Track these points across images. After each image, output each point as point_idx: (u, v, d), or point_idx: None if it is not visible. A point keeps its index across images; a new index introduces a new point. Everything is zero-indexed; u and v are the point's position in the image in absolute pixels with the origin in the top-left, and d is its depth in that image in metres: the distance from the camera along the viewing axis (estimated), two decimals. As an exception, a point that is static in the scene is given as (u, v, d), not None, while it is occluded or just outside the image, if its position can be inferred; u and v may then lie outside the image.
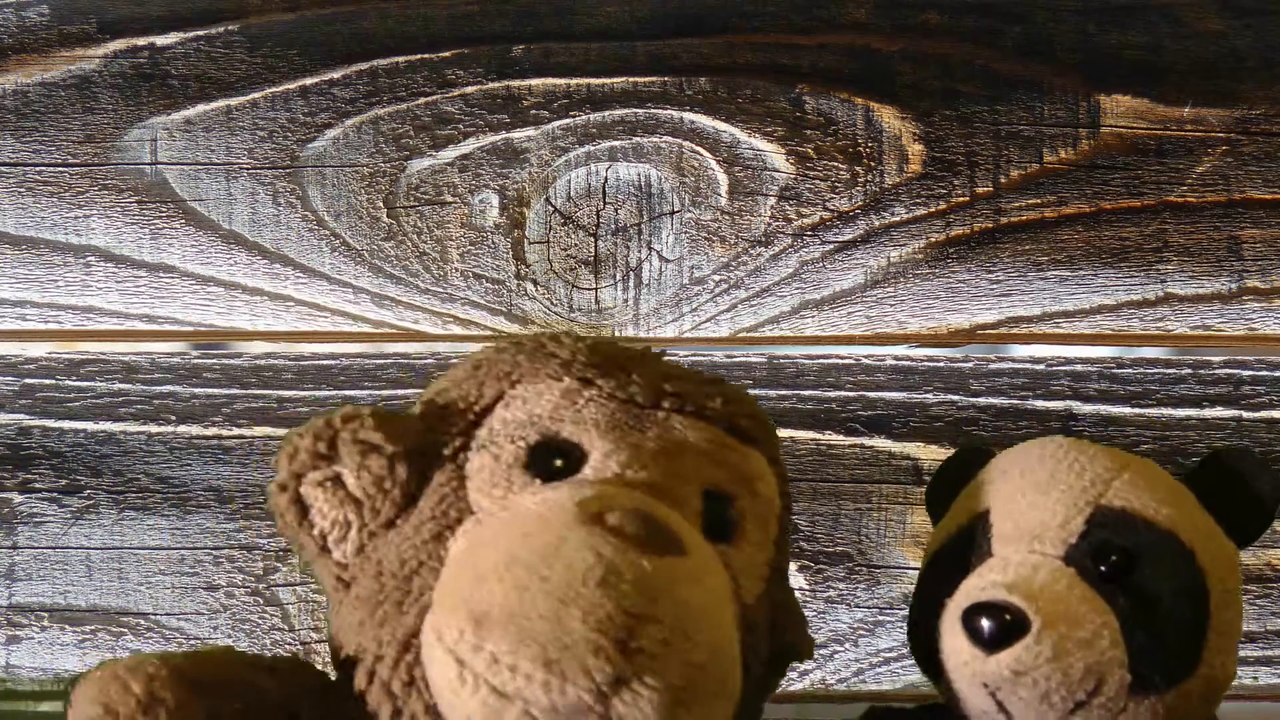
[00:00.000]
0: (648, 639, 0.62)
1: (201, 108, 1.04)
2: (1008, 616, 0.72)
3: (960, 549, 0.78)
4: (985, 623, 0.72)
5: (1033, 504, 0.76)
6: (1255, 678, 1.03)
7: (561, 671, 0.61)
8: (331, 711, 0.68)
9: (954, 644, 0.74)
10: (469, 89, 1.04)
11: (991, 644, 0.72)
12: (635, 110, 1.04)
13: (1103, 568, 0.74)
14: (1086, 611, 0.73)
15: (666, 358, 0.76)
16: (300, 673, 0.71)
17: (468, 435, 0.71)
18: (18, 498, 1.04)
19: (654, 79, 1.04)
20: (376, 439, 0.69)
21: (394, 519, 0.69)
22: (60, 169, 1.04)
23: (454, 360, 1.04)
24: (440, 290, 1.04)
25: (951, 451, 0.88)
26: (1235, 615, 0.78)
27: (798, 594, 1.04)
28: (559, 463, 0.69)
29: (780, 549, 0.74)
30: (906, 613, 0.82)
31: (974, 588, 0.74)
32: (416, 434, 0.70)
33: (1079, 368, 1.04)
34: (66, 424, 1.04)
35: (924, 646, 0.78)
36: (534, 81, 1.04)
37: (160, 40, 1.04)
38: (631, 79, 1.04)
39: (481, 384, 0.72)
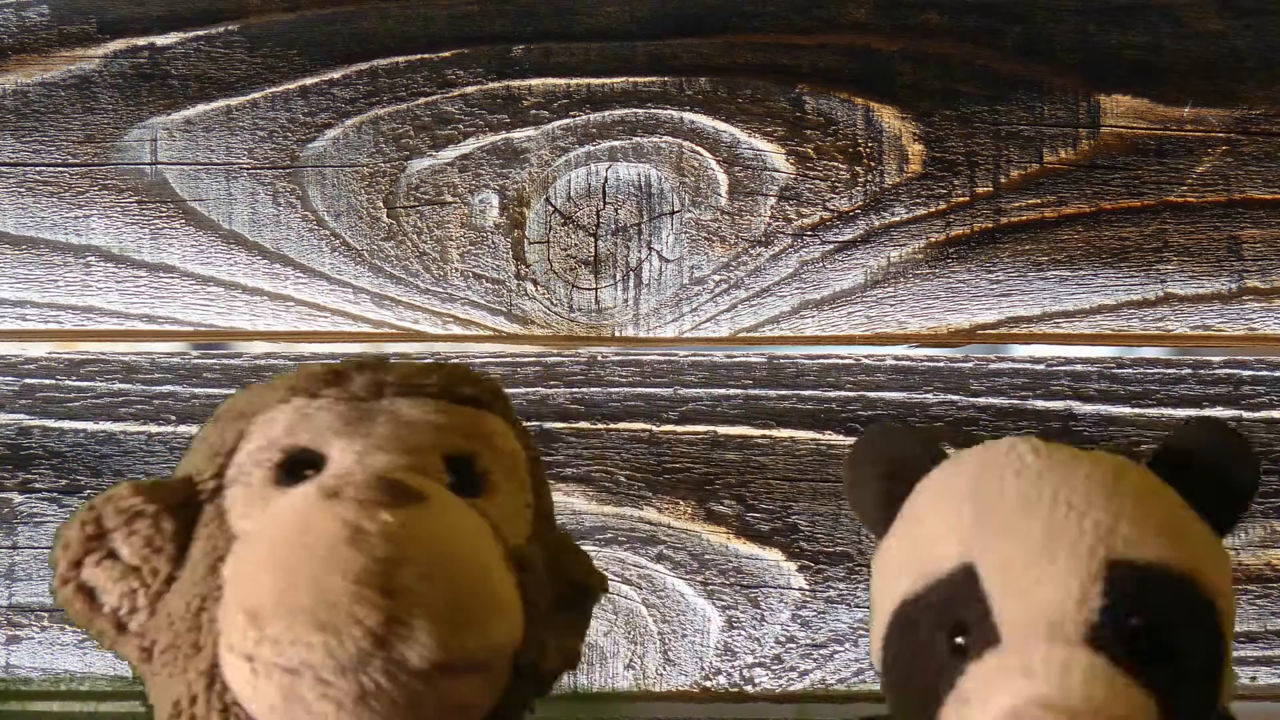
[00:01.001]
0: (405, 577, 0.66)
1: (201, 108, 1.04)
2: None
3: (944, 608, 0.70)
4: None
5: (1036, 573, 0.68)
6: (1254, 678, 1.03)
7: (335, 628, 0.65)
8: None
9: None
10: (469, 89, 1.04)
11: None
12: (635, 110, 1.04)
13: (1132, 647, 0.67)
14: (1128, 711, 0.66)
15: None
16: None
17: (220, 477, 0.74)
18: (18, 498, 1.04)
19: (654, 79, 1.04)
20: (136, 503, 0.72)
21: (172, 575, 0.72)
22: (60, 169, 1.04)
23: (454, 360, 1.04)
24: (440, 290, 1.04)
25: (950, 452, 0.87)
26: (1233, 623, 0.72)
27: (797, 594, 1.05)
28: (306, 472, 0.72)
29: (538, 494, 0.77)
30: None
31: (999, 705, 0.66)
32: (176, 492, 0.73)
33: (1079, 368, 1.04)
34: (66, 424, 1.04)
35: (910, 697, 0.71)
36: (534, 81, 1.04)
37: (160, 40, 1.04)
38: (631, 79, 1.04)
39: (223, 431, 0.75)
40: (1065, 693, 0.65)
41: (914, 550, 0.72)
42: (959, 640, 0.69)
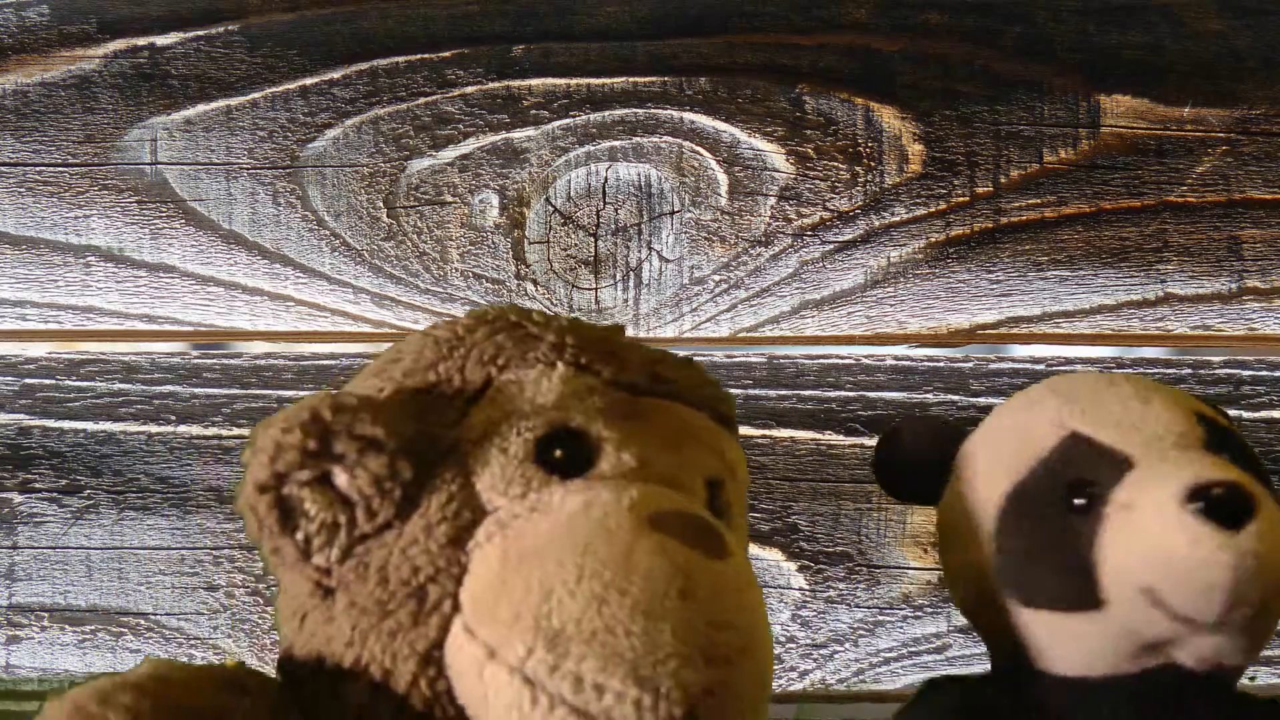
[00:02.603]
0: (727, 647, 0.60)
1: (201, 108, 1.04)
2: (1243, 494, 0.68)
3: (1061, 472, 0.73)
4: (1222, 499, 0.68)
5: (1139, 415, 0.73)
6: (1254, 678, 1.03)
7: (655, 688, 0.59)
8: None
9: (1178, 539, 0.68)
10: (469, 89, 1.04)
11: (1236, 522, 0.68)
12: (635, 110, 1.04)
13: (1241, 459, 0.72)
14: (1266, 495, 0.70)
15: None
16: (272, 691, 0.65)
17: (460, 426, 0.66)
18: (18, 498, 1.04)
19: (654, 79, 1.04)
20: (377, 434, 0.63)
21: (390, 521, 0.64)
22: (60, 169, 1.04)
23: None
24: (440, 290, 1.04)
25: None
26: None
27: (797, 594, 1.05)
28: (571, 455, 0.65)
29: (745, 516, 0.72)
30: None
31: (1175, 481, 0.70)
32: (413, 428, 0.65)
33: (1079, 368, 1.04)
34: (66, 424, 1.04)
35: (1070, 588, 0.72)
36: (534, 81, 1.04)
37: (160, 40, 1.04)
38: (631, 79, 1.04)
39: (463, 368, 0.67)
40: (1223, 469, 0.70)
41: (1003, 455, 0.76)
42: (1078, 500, 0.72)
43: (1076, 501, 0.72)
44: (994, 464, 0.76)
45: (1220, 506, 0.68)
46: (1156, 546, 0.69)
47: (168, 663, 0.62)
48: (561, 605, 0.60)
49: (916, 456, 0.79)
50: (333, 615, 0.64)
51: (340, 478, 0.63)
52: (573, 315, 0.75)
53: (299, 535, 0.63)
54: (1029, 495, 0.74)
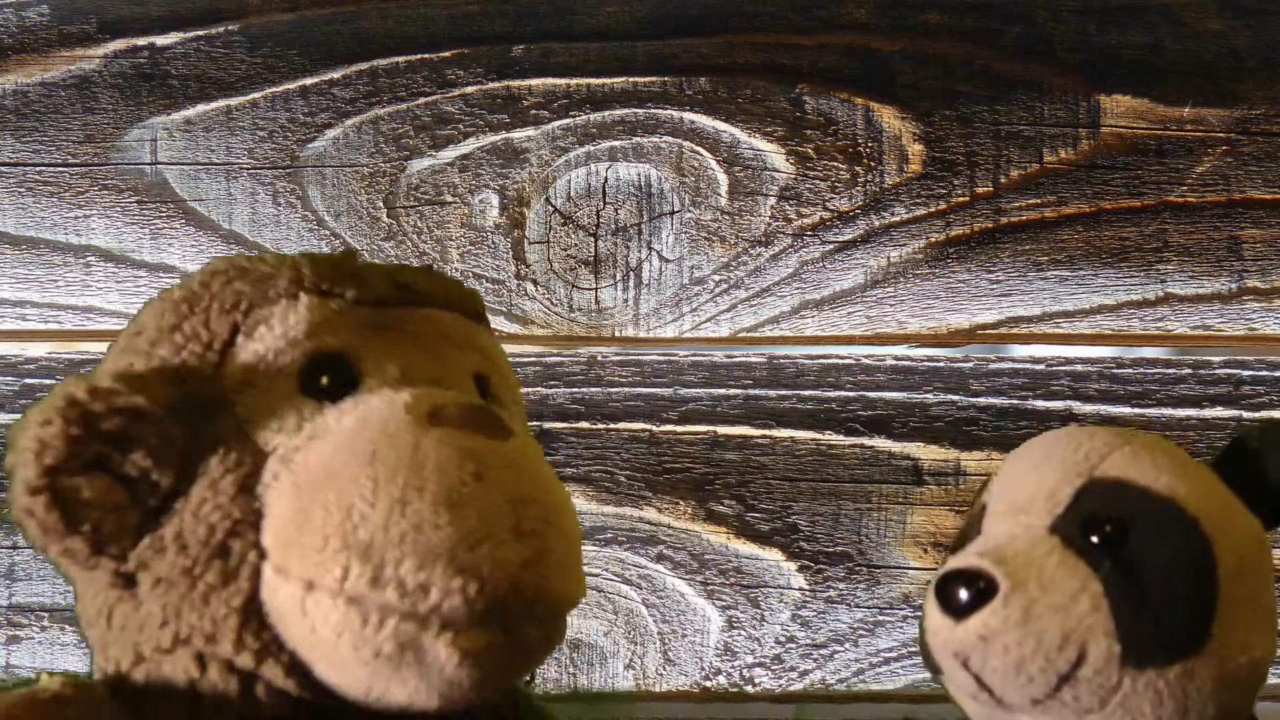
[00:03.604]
0: (533, 520, 0.60)
1: (201, 108, 1.04)
2: (979, 583, 0.70)
3: (959, 541, 0.77)
4: (952, 588, 0.70)
5: (1025, 480, 0.74)
6: (1255, 678, 1.03)
7: (479, 573, 0.59)
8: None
9: (930, 620, 0.72)
10: (469, 89, 1.04)
11: (959, 611, 0.70)
12: (635, 110, 1.04)
13: (1093, 537, 0.71)
14: (1064, 576, 0.70)
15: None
16: (97, 695, 0.63)
17: (219, 378, 0.63)
18: (18, 498, 1.04)
19: (654, 79, 1.04)
20: (140, 403, 0.60)
21: (174, 490, 0.61)
22: (60, 169, 1.04)
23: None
24: (440, 290, 1.04)
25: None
26: (1258, 590, 0.73)
27: (797, 594, 1.05)
28: (335, 378, 0.64)
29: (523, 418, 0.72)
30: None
31: (950, 562, 0.73)
32: (170, 387, 0.62)
33: (1079, 368, 1.04)
34: (66, 424, 1.04)
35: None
36: (534, 81, 1.04)
37: (160, 40, 1.04)
38: (631, 79, 1.04)
39: (207, 322, 0.64)
40: (1000, 550, 0.71)
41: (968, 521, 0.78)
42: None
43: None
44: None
45: (949, 596, 0.70)
46: (928, 629, 0.73)
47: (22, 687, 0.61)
48: (365, 518, 0.59)
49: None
50: (140, 601, 0.62)
51: (114, 458, 0.60)
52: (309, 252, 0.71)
53: (86, 528, 0.60)
54: (954, 550, 0.77)
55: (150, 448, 0.60)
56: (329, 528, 0.59)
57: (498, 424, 0.62)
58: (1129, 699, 0.70)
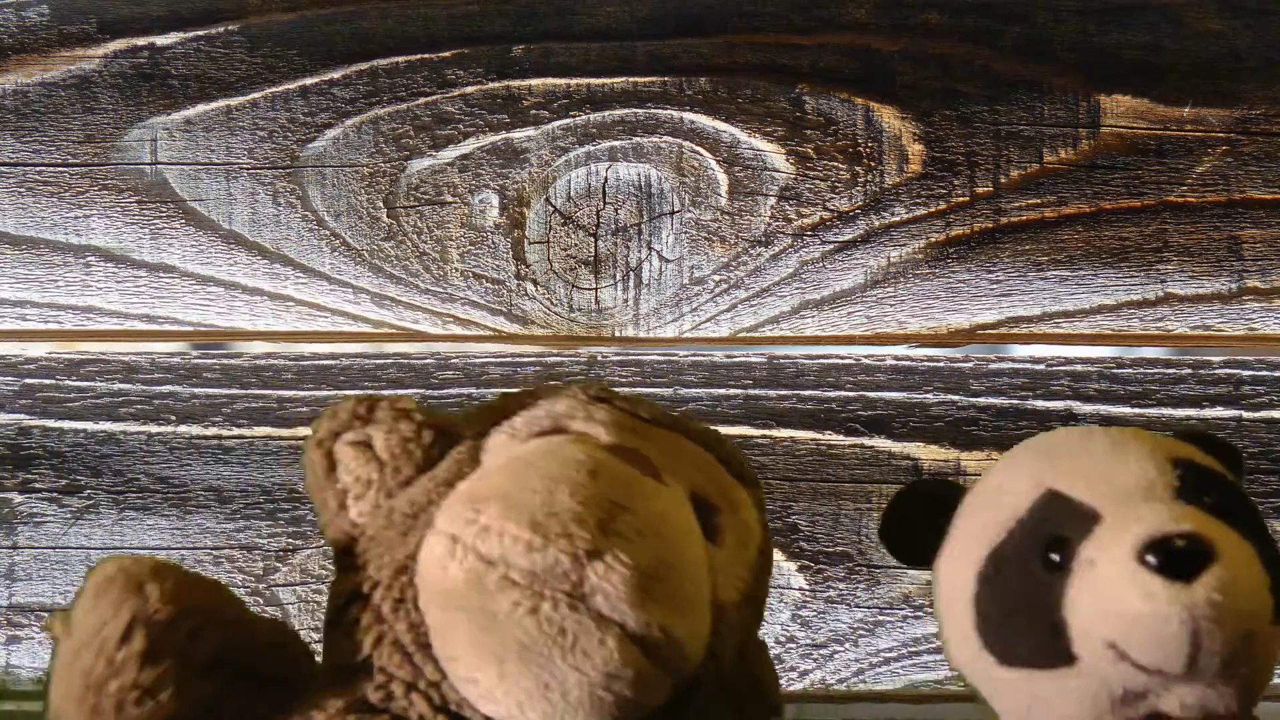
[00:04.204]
0: (625, 525, 0.67)
1: (201, 108, 1.04)
2: (1200, 543, 0.70)
3: (1036, 531, 0.74)
4: (1173, 550, 0.69)
5: (1114, 468, 0.74)
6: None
7: (545, 532, 0.66)
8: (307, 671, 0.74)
9: (1131, 593, 0.70)
10: (469, 89, 1.04)
11: (1190, 573, 0.69)
12: (635, 110, 1.04)
13: (1211, 506, 0.73)
14: (1237, 540, 0.71)
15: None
16: (291, 640, 0.76)
17: (489, 427, 0.75)
18: (18, 498, 1.04)
19: (654, 79, 1.04)
20: (410, 406, 0.74)
21: (410, 479, 0.73)
22: (60, 169, 1.04)
23: (454, 359, 1.04)
24: (440, 290, 1.04)
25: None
26: None
27: (797, 594, 1.05)
28: None
29: (758, 581, 0.76)
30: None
31: (1133, 534, 0.71)
32: (446, 419, 0.75)
33: (1079, 368, 1.04)
34: (66, 424, 1.04)
35: (1041, 647, 0.73)
36: (534, 81, 1.04)
37: (160, 40, 1.04)
38: (631, 79, 1.04)
39: (506, 404, 0.77)
40: (1183, 518, 0.71)
41: (985, 517, 0.77)
42: (1054, 557, 0.73)
43: (1052, 558, 0.73)
44: (976, 526, 0.77)
45: (1172, 559, 0.70)
46: (1115, 601, 0.71)
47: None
48: (489, 481, 0.70)
49: (913, 526, 0.80)
50: (351, 562, 0.73)
51: (378, 440, 0.74)
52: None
53: (339, 485, 0.74)
54: (1007, 556, 0.75)
55: (403, 438, 0.74)
56: (465, 489, 0.70)
57: (647, 465, 0.72)
58: (1274, 650, 0.73)
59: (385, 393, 0.77)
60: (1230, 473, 0.78)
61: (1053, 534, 0.74)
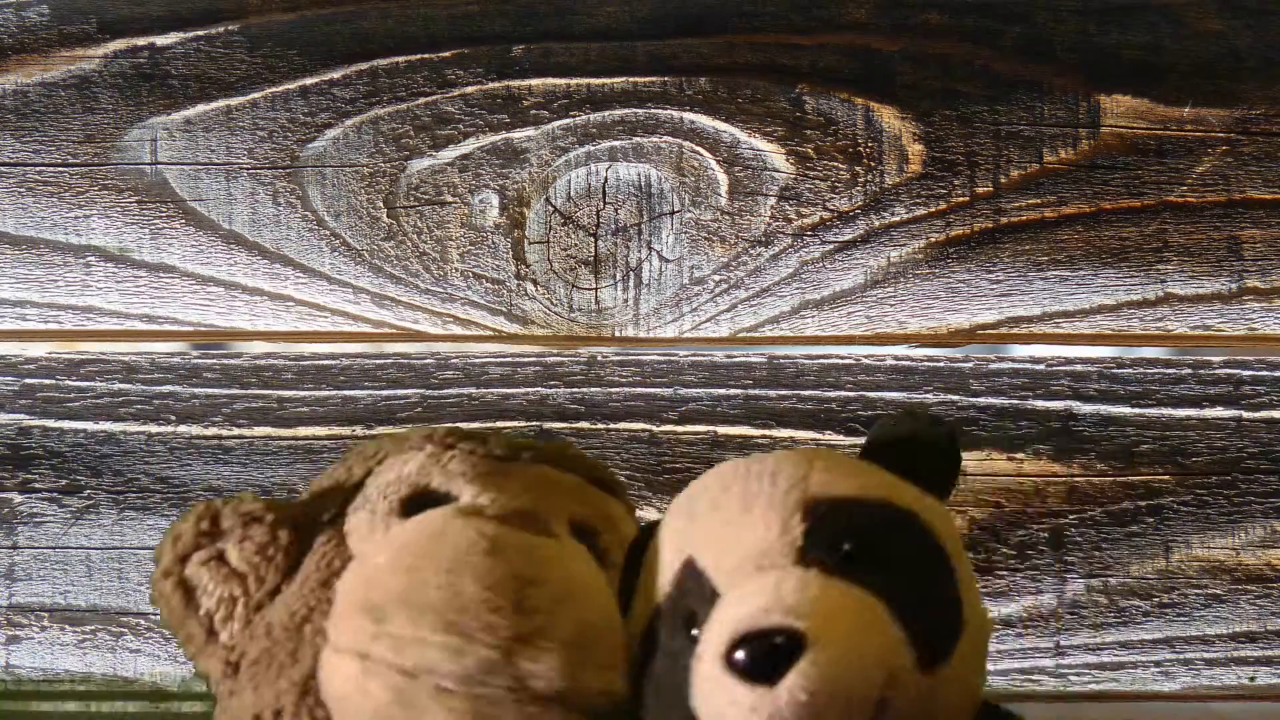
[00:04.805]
0: (539, 598, 0.65)
1: (201, 108, 1.04)
2: (778, 639, 0.65)
3: (674, 607, 0.70)
4: (751, 652, 0.65)
5: (739, 529, 0.69)
6: (1254, 678, 1.03)
7: (461, 632, 0.64)
8: None
9: (720, 699, 0.66)
10: (469, 89, 1.04)
11: (774, 672, 0.64)
12: (635, 110, 1.04)
13: (846, 555, 0.68)
14: (853, 605, 0.67)
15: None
16: None
17: (343, 505, 0.73)
18: (18, 498, 1.04)
19: (654, 79, 1.04)
20: (257, 509, 0.72)
21: (278, 587, 0.71)
22: (60, 169, 1.04)
23: (454, 360, 1.04)
24: (440, 290, 1.04)
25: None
26: (968, 563, 0.72)
27: (798, 594, 1.05)
28: (431, 506, 0.71)
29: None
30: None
31: (721, 629, 0.66)
32: (296, 509, 0.73)
33: (1079, 368, 1.04)
34: (66, 424, 1.04)
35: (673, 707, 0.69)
36: (534, 81, 1.04)
37: (160, 40, 1.04)
38: (631, 79, 1.04)
39: (350, 467, 0.76)
40: (780, 599, 0.66)
41: (646, 583, 0.72)
42: (694, 631, 0.69)
43: (693, 634, 0.69)
44: (646, 584, 0.73)
45: (755, 659, 0.65)
46: (711, 704, 0.67)
47: None
48: (381, 584, 0.66)
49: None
50: (239, 686, 0.70)
51: (232, 553, 0.71)
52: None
53: (202, 613, 0.71)
54: (655, 635, 0.71)
55: (259, 545, 0.71)
56: (354, 596, 0.67)
57: (538, 525, 0.69)
58: (928, 703, 0.67)
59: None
60: (934, 473, 0.73)
61: (690, 610, 0.69)
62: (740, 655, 0.65)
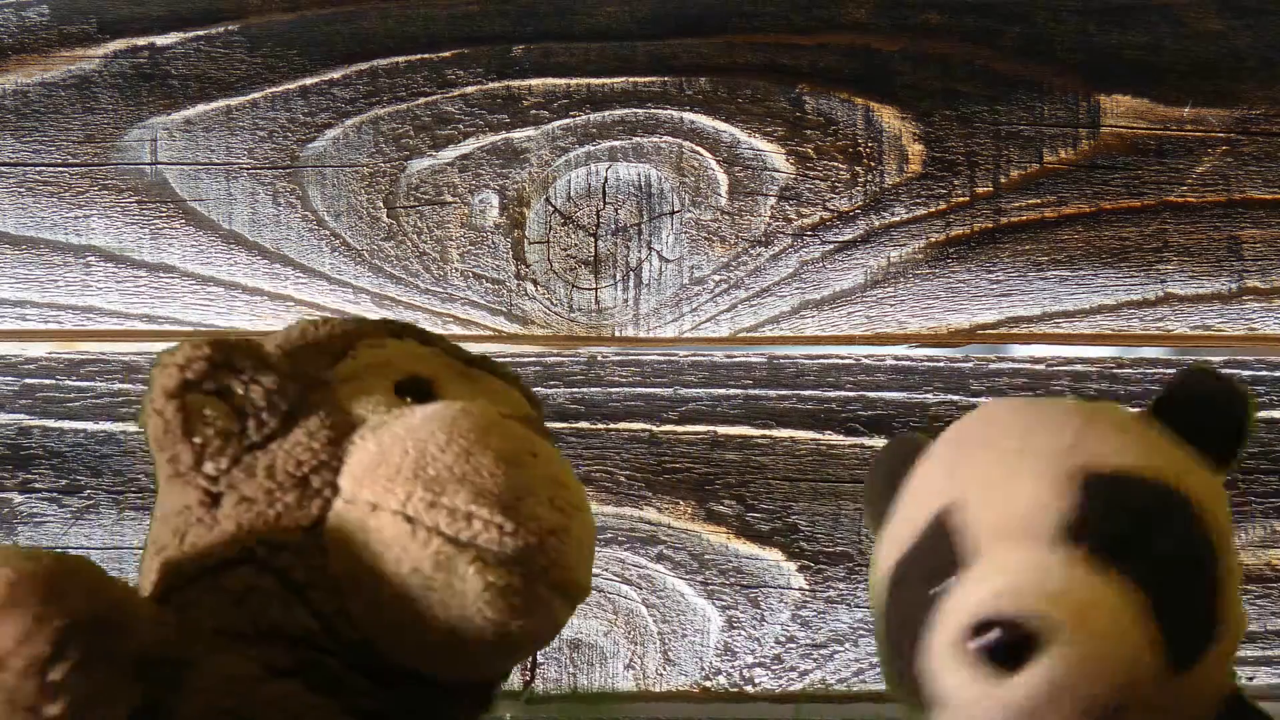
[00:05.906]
0: (565, 502, 0.71)
1: (201, 108, 1.04)
2: (1028, 627, 0.62)
3: (928, 556, 0.68)
4: (997, 638, 0.62)
5: (1009, 489, 0.66)
6: (1253, 678, 1.03)
7: (518, 516, 0.69)
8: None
9: (952, 677, 0.64)
10: (469, 89, 1.04)
11: (1013, 661, 0.62)
12: (635, 110, 1.04)
13: (1109, 544, 0.65)
14: (1113, 599, 0.64)
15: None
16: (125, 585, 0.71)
17: (331, 371, 0.75)
18: (18, 498, 1.04)
19: (654, 79, 1.04)
20: (272, 356, 0.73)
21: (275, 434, 0.72)
22: (60, 169, 1.04)
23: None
24: (440, 290, 1.04)
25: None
26: (1233, 553, 0.69)
27: (797, 594, 1.05)
28: (420, 395, 0.75)
29: None
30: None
31: (968, 603, 0.64)
32: (295, 360, 0.75)
33: (1079, 368, 1.04)
34: (66, 424, 1.04)
35: (912, 687, 0.67)
36: (534, 81, 1.04)
37: (160, 40, 1.04)
38: (631, 79, 1.04)
39: (332, 334, 0.77)
40: (1038, 583, 0.63)
41: (903, 516, 0.71)
42: (934, 591, 0.67)
43: (933, 591, 0.67)
44: (898, 524, 0.71)
45: (996, 648, 0.62)
46: (941, 680, 0.65)
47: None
48: (435, 459, 0.70)
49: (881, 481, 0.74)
50: (216, 521, 0.72)
51: (238, 390, 0.72)
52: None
53: (196, 440, 0.71)
54: (905, 576, 0.69)
55: (267, 391, 0.72)
56: (403, 464, 0.70)
57: (546, 433, 0.77)
58: (1169, 705, 0.66)
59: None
60: (1220, 442, 0.71)
61: (936, 565, 0.67)
62: (985, 639, 0.63)
